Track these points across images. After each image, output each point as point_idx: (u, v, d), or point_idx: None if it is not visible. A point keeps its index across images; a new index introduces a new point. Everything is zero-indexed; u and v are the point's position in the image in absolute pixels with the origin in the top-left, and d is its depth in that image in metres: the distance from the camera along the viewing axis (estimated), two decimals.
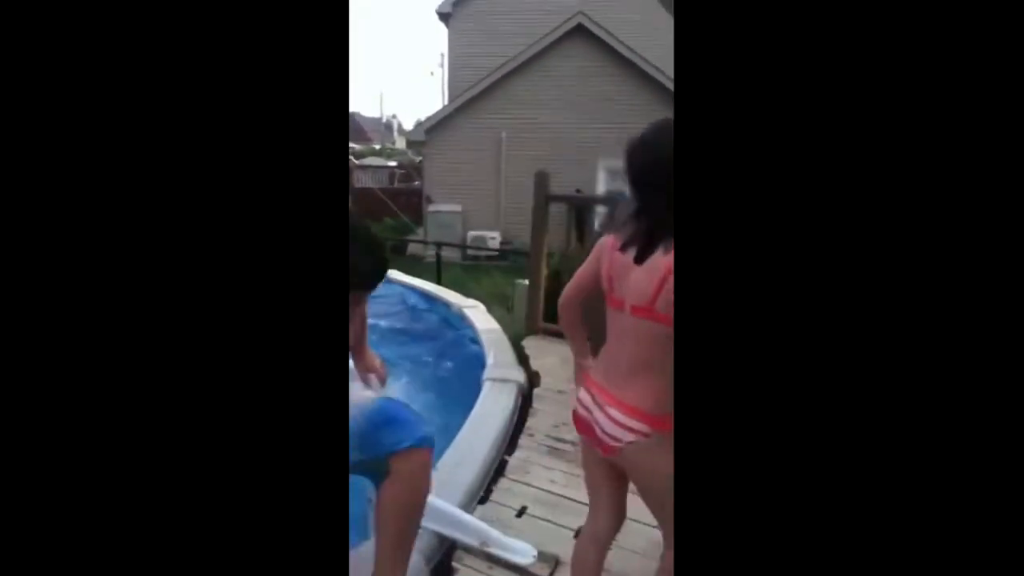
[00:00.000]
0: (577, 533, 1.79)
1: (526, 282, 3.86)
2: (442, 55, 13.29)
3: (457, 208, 9.78)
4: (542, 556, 1.65)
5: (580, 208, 3.53)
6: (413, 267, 6.05)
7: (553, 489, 2.02)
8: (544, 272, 3.60)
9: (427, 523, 1.76)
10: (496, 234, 9.39)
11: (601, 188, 9.39)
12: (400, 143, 26.86)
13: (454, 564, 1.66)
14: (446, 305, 4.57)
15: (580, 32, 9.54)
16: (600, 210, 3.77)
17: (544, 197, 3.44)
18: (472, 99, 10.09)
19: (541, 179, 3.47)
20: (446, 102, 11.24)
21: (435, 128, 10.33)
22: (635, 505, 1.19)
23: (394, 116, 41.40)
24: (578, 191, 5.47)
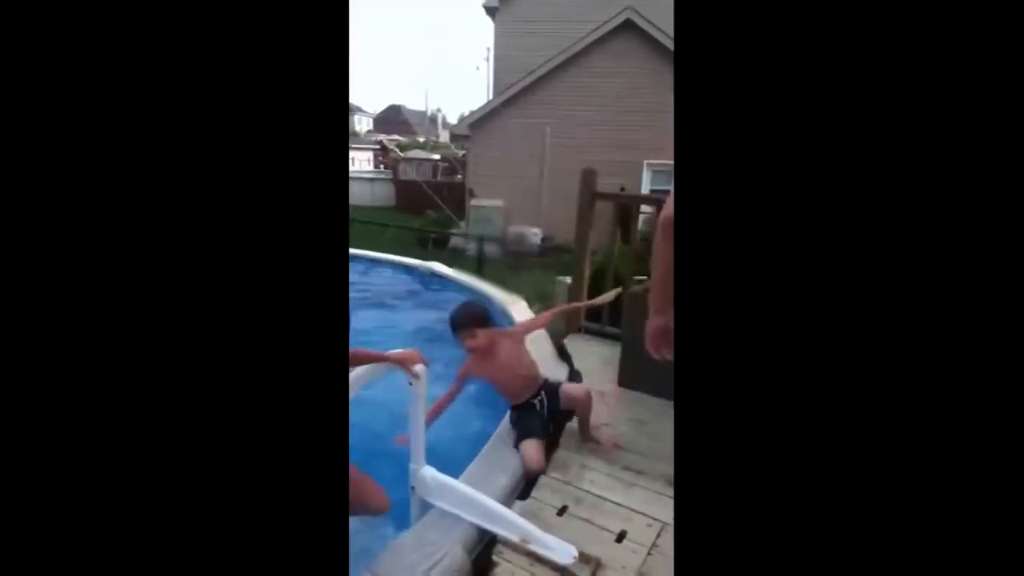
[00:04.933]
0: (619, 538, 1.77)
1: (568, 279, 3.83)
2: (488, 49, 13.30)
3: (499, 203, 9.80)
4: (583, 557, 1.64)
5: (625, 207, 3.46)
6: (454, 260, 6.10)
7: (593, 490, 2.00)
8: (587, 271, 3.57)
9: (468, 516, 1.78)
10: (538, 230, 9.36)
11: (646, 187, 9.23)
12: (444, 136, 27.11)
13: (494, 558, 1.67)
14: (488, 299, 4.59)
15: (628, 28, 9.38)
16: (646, 209, 3.69)
17: (590, 194, 3.41)
18: (517, 94, 10.08)
19: (588, 176, 3.43)
20: (491, 97, 11.27)
21: (479, 122, 10.37)
22: None
23: (439, 110, 41.91)
24: (622, 189, 5.39)
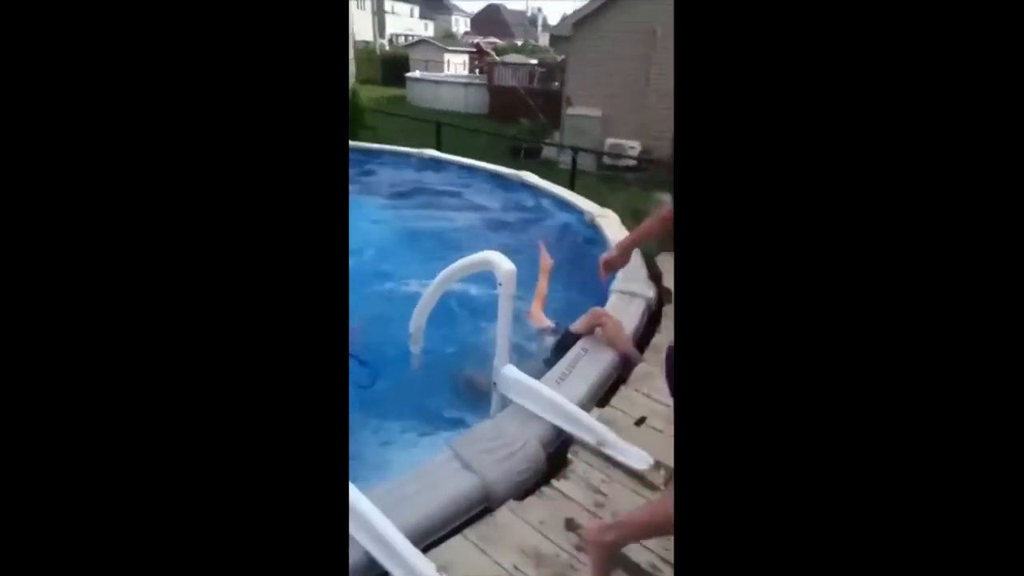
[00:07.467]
0: None
1: (667, 196, 3.64)
2: None
3: (597, 112, 9.31)
4: (657, 465, 1.67)
5: None
6: (546, 172, 5.95)
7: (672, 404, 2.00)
8: None
9: (546, 416, 1.85)
10: (636, 143, 8.86)
11: None
12: (544, 40, 25.76)
13: (569, 456, 1.74)
14: (579, 212, 4.50)
15: None
16: None
17: None
18: None
19: None
20: None
21: (582, 23, 9.65)
22: None
23: (539, 9, 39.63)
24: None
